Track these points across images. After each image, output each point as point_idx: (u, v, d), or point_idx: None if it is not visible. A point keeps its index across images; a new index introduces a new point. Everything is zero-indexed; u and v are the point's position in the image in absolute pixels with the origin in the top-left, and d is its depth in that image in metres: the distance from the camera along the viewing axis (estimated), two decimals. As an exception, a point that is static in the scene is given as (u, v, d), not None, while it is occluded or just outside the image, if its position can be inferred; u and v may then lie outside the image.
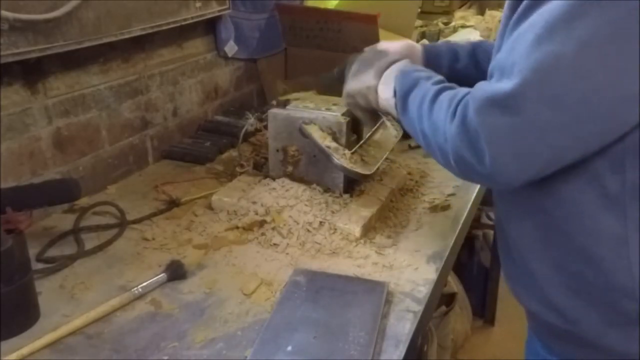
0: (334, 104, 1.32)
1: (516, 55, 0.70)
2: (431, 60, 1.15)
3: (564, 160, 0.73)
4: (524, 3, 0.72)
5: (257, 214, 1.18)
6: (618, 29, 0.64)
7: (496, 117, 0.70)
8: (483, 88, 0.74)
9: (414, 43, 1.20)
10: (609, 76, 0.66)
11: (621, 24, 0.64)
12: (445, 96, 0.83)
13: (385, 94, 1.00)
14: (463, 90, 0.82)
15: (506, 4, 0.82)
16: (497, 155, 0.72)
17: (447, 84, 0.89)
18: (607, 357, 0.80)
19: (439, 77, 0.93)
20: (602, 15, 0.65)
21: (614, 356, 0.79)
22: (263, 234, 1.15)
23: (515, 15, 0.74)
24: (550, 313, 0.83)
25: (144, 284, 0.98)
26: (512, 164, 0.72)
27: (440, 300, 1.88)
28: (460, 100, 0.78)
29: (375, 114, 1.12)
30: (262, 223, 1.16)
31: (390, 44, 1.15)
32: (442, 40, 2.12)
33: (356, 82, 1.07)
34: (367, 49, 1.15)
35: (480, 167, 0.74)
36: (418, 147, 1.63)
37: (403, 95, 0.93)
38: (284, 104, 1.29)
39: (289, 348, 0.83)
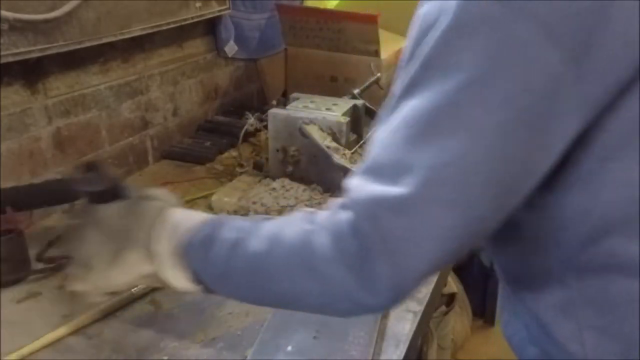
0: (334, 104, 1.32)
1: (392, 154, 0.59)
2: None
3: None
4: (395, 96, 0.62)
5: (257, 213, 1.18)
6: (502, 119, 0.56)
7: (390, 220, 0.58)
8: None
9: None
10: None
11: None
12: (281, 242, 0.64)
13: (182, 283, 0.70)
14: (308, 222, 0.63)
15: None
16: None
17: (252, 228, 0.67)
18: None
19: (236, 223, 0.69)
20: (487, 106, 0.55)
21: None
22: (263, 234, 1.15)
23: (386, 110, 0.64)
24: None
25: (144, 284, 0.98)
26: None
27: (440, 300, 1.88)
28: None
29: None
30: (262, 223, 1.16)
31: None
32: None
33: (118, 272, 0.71)
34: (105, 210, 0.74)
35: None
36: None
37: (214, 279, 0.68)
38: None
39: (289, 348, 0.83)
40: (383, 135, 0.61)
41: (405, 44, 0.64)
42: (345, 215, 0.60)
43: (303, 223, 0.64)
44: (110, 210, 0.74)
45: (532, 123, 0.56)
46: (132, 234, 0.71)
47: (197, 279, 0.69)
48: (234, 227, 0.68)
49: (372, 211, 0.58)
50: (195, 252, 0.68)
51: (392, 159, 0.59)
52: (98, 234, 0.73)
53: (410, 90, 0.59)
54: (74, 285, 0.73)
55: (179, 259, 0.69)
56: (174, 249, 0.69)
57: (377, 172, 0.60)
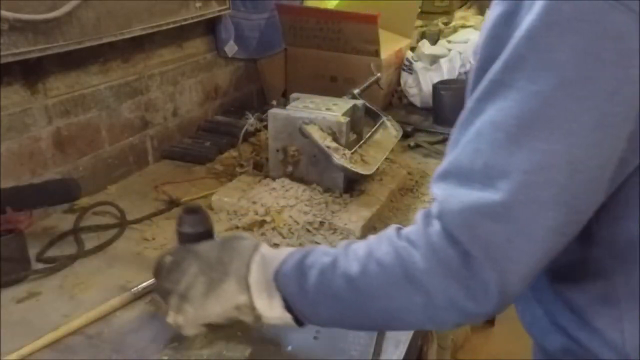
0: (334, 104, 1.32)
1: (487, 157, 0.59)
2: None
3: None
4: (476, 95, 0.61)
5: (257, 214, 1.18)
6: (601, 115, 0.56)
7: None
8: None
9: None
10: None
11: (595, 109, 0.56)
12: (384, 252, 0.64)
13: (275, 313, 0.71)
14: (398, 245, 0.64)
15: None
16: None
17: (350, 247, 0.69)
18: None
19: (325, 249, 0.72)
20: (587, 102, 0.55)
21: None
22: (263, 234, 1.15)
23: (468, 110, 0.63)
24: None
25: (144, 284, 0.98)
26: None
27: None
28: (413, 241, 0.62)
29: None
30: (262, 223, 1.16)
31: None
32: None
33: (214, 302, 0.73)
34: (200, 246, 0.79)
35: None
36: (418, 146, 1.63)
37: (308, 305, 0.69)
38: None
39: (289, 348, 0.83)
40: (466, 138, 0.61)
41: (480, 44, 0.63)
42: (437, 226, 0.60)
43: (393, 239, 0.64)
44: (207, 247, 0.78)
45: (634, 116, 0.56)
46: (228, 267, 0.74)
47: (290, 306, 0.70)
48: (323, 252, 0.70)
49: (467, 219, 0.58)
50: (288, 280, 0.70)
51: (483, 164, 0.58)
52: (195, 267, 0.75)
53: (493, 92, 0.59)
54: (171, 317, 0.76)
55: (273, 288, 0.71)
56: (268, 279, 0.71)
57: (466, 178, 0.59)
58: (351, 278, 0.65)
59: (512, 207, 0.57)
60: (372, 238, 0.68)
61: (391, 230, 0.67)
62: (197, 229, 0.83)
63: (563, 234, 0.59)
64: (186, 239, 0.83)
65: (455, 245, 0.58)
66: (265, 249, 0.75)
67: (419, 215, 0.64)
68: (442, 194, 0.61)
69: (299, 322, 0.71)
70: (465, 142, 0.61)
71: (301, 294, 0.69)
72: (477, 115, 0.60)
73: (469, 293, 0.59)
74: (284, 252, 0.73)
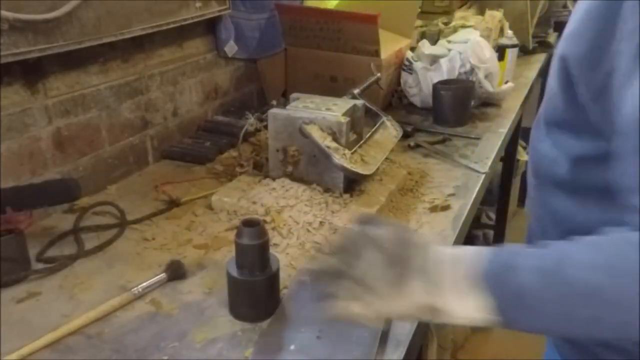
0: (334, 104, 1.32)
1: None
2: None
3: None
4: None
5: (257, 214, 1.18)
6: None
7: None
8: None
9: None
10: None
11: None
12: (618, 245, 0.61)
13: (472, 313, 0.68)
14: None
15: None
16: None
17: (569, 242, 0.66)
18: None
19: (525, 250, 0.69)
20: None
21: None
22: (263, 234, 1.15)
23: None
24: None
25: (144, 284, 0.98)
26: None
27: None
28: None
29: None
30: (262, 223, 1.16)
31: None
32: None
33: (399, 298, 0.70)
34: (379, 237, 0.73)
35: None
36: (418, 146, 1.63)
37: (523, 308, 0.66)
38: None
39: (292, 347, 0.83)
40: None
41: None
42: None
43: (632, 239, 0.61)
44: (385, 239, 0.71)
45: None
46: (413, 262, 0.69)
47: (495, 309, 0.66)
48: (533, 254, 0.66)
49: None
50: (497, 281, 0.66)
51: None
52: (380, 260, 0.70)
53: None
54: (353, 307, 0.71)
55: (472, 289, 0.67)
56: (463, 279, 0.67)
57: None
58: (589, 287, 0.61)
59: None
60: (589, 242, 0.64)
61: (616, 235, 0.63)
62: (254, 241, 0.90)
63: None
64: (242, 250, 0.90)
65: None
66: (443, 247, 0.72)
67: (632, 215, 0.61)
68: None
69: (502, 322, 0.68)
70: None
71: (517, 298, 0.65)
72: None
73: None
74: (470, 250, 0.70)
